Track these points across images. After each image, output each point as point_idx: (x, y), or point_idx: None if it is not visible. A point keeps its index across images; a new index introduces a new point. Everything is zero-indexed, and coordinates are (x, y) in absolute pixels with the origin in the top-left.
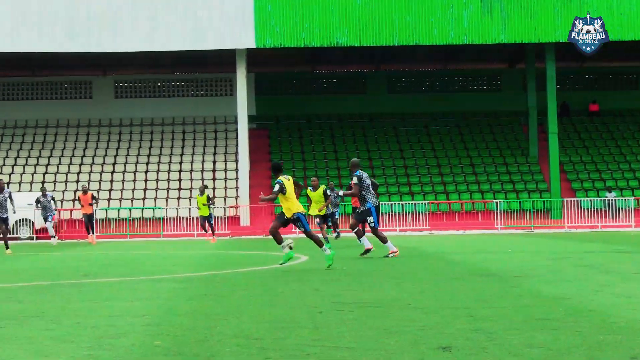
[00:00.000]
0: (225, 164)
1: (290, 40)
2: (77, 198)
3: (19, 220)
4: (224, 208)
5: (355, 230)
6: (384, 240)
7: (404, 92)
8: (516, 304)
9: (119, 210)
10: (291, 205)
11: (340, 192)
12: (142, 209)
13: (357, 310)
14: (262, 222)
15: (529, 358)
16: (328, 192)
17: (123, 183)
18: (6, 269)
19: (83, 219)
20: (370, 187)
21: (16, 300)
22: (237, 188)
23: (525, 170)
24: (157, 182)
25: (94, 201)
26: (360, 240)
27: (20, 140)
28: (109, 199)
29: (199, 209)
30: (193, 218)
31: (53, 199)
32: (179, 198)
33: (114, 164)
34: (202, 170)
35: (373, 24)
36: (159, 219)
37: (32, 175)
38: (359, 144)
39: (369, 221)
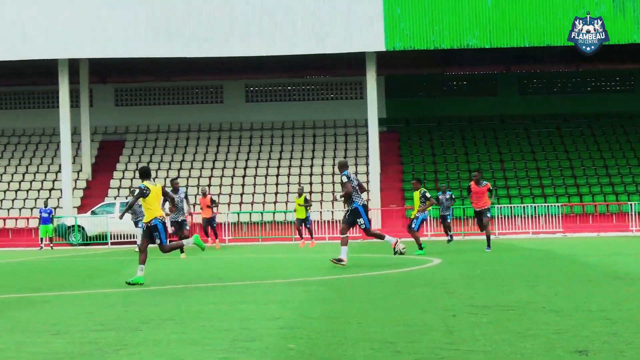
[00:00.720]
0: (356, 167)
1: (420, 43)
2: (196, 202)
3: None
4: None
5: (343, 236)
6: (380, 237)
7: (536, 94)
8: None
9: (250, 213)
10: (150, 212)
11: (338, 196)
12: (274, 213)
13: (491, 313)
14: (394, 225)
15: None
16: (428, 194)
17: (254, 187)
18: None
19: (202, 223)
20: (357, 187)
21: (152, 304)
22: (367, 191)
23: None
24: (288, 186)
25: (213, 205)
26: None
27: (152, 144)
28: (240, 203)
29: (295, 211)
30: (325, 221)
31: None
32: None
33: (245, 168)
34: (333, 174)
35: (503, 25)
36: (291, 222)
37: (165, 179)
38: (490, 146)
39: (359, 223)
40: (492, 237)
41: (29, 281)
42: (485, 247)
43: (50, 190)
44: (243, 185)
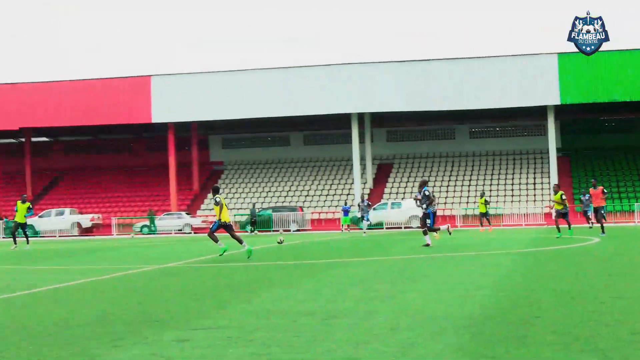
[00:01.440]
0: (541, 180)
1: (584, 98)
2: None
3: (410, 216)
4: None
5: (423, 229)
6: (434, 229)
7: None
8: None
9: (466, 210)
10: (223, 215)
11: (421, 204)
12: (472, 209)
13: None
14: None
15: None
16: (564, 196)
17: (475, 193)
18: (405, 247)
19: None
20: (433, 199)
21: (413, 267)
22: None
23: None
24: (497, 192)
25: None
26: (425, 237)
27: (410, 167)
28: (467, 202)
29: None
30: (520, 214)
31: (369, 204)
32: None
33: (469, 180)
34: (526, 184)
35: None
36: (482, 214)
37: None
38: (631, 167)
39: (428, 222)
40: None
41: (334, 252)
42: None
43: (347, 195)
44: (468, 195)
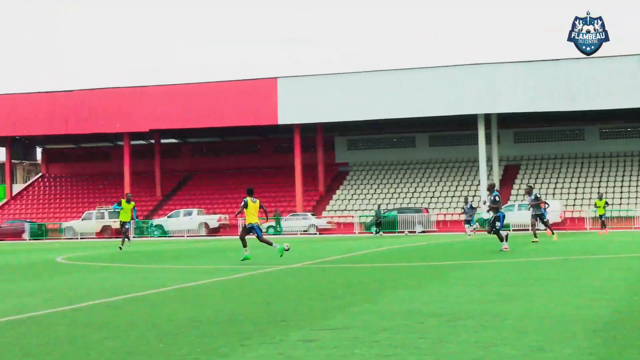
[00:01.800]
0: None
1: None
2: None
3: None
4: None
5: (492, 232)
6: (501, 239)
7: None
8: None
9: (592, 212)
10: (249, 218)
11: (486, 207)
12: (595, 212)
13: None
14: None
15: None
16: None
17: (609, 195)
18: (531, 249)
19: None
20: (501, 202)
21: (542, 269)
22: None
23: None
24: (629, 194)
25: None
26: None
27: (538, 168)
28: (588, 205)
29: (597, 208)
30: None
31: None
32: None
33: (599, 182)
34: None
35: None
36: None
37: (537, 189)
38: None
39: (497, 225)
40: None
41: (460, 253)
42: None
43: (473, 196)
44: (597, 196)
